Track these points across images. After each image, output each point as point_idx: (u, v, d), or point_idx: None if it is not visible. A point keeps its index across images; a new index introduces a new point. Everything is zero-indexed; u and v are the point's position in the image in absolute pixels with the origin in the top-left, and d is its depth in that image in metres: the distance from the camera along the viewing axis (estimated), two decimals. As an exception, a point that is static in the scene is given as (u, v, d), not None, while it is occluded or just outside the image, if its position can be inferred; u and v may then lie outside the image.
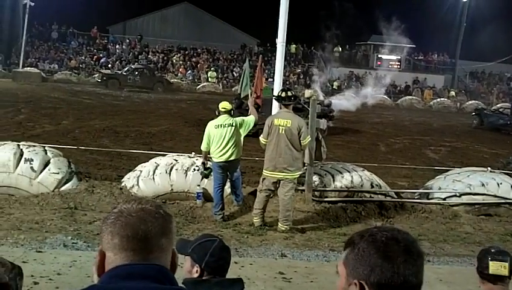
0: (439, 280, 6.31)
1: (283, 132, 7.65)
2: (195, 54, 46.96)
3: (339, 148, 17.15)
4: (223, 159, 8.12)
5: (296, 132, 7.65)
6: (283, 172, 7.70)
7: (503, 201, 9.19)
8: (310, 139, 8.00)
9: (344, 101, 25.15)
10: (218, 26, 51.12)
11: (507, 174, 10.46)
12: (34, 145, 9.02)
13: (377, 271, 1.49)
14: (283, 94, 8.02)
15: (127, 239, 1.48)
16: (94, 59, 41.94)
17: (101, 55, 42.89)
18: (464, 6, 47.44)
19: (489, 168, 9.97)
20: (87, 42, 45.09)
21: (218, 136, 8.14)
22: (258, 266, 6.37)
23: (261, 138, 7.95)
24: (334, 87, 41.21)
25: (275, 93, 9.14)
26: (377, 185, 9.30)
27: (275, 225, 7.86)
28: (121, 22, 49.81)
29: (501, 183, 9.34)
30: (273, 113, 9.73)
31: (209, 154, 8.26)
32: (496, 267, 2.98)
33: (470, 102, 42.03)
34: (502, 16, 42.77)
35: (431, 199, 9.44)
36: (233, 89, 35.00)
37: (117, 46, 45.50)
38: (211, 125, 8.30)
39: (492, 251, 3.10)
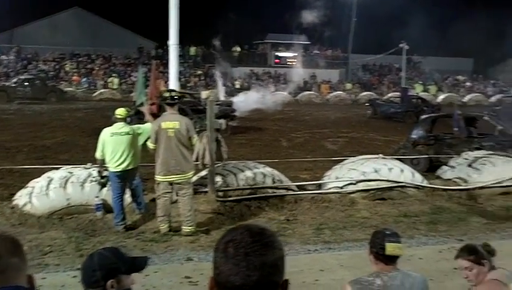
0: (340, 265, 6.57)
1: (173, 134, 7.59)
2: (89, 61, 45.53)
3: (243, 147, 17.32)
4: (120, 168, 7.92)
5: (185, 133, 7.62)
6: (177, 174, 7.64)
7: (395, 185, 9.72)
8: (197, 138, 7.99)
9: (246, 100, 25.48)
10: (112, 30, 49.84)
11: (398, 159, 11.08)
12: None
13: (219, 272, 1.53)
14: (166, 94, 7.97)
15: None
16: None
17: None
18: (352, 1, 49.52)
19: (381, 155, 10.50)
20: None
21: (114, 144, 7.92)
22: (163, 273, 6.29)
23: (149, 143, 7.80)
24: (236, 86, 41.56)
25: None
26: (278, 180, 9.49)
27: (180, 229, 7.79)
28: (7, 30, 47.12)
29: (392, 168, 9.87)
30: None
31: (104, 163, 8.03)
32: (392, 248, 3.14)
33: (364, 93, 44.07)
34: (389, 9, 45.06)
35: (329, 188, 9.78)
36: (131, 95, 34.30)
37: (3, 57, 43.06)
38: (105, 133, 8.06)
39: (387, 232, 3.26)
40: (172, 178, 7.65)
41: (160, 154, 7.67)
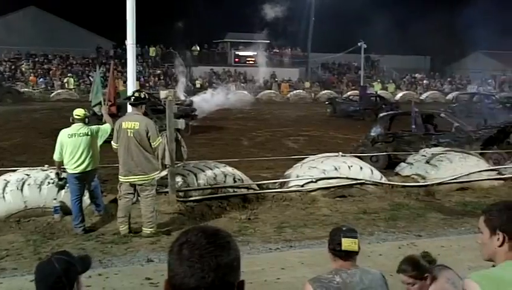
0: (301, 263, 6.62)
1: (132, 135, 7.50)
2: (46, 61, 44.58)
3: (203, 147, 17.26)
4: (78, 170, 7.79)
5: (145, 134, 7.52)
6: (138, 175, 7.56)
7: (354, 182, 9.85)
8: (160, 140, 7.90)
9: (206, 100, 25.41)
10: (70, 29, 48.91)
11: (357, 156, 11.24)
12: None
13: (173, 274, 1.53)
14: (130, 94, 7.89)
15: None
16: None
17: None
18: (311, 1, 49.92)
19: (340, 153, 10.62)
20: None
21: (72, 146, 7.79)
22: (123, 275, 6.23)
23: (112, 143, 7.74)
24: (196, 86, 41.40)
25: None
26: (239, 179, 9.50)
27: (141, 231, 7.71)
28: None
29: (351, 166, 10.00)
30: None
31: (62, 164, 7.87)
32: (348, 243, 3.17)
33: (324, 92, 44.53)
34: (347, 8, 45.63)
35: (290, 187, 9.84)
36: (89, 94, 33.74)
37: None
38: (63, 134, 7.92)
39: (344, 229, 3.30)
40: (134, 179, 7.57)
41: (120, 155, 7.61)
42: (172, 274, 1.52)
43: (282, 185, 10.03)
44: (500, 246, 2.42)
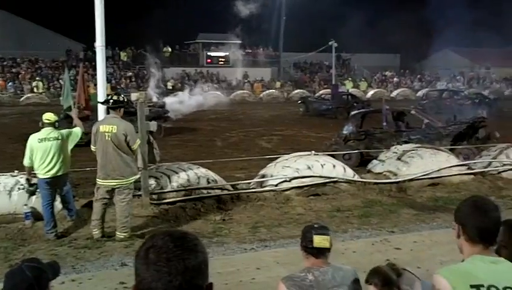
0: (276, 262, 6.63)
1: (109, 138, 7.43)
2: (14, 64, 43.82)
3: (177, 148, 17.21)
4: (49, 175, 7.68)
5: (123, 138, 7.45)
6: (116, 179, 7.50)
7: (327, 180, 9.92)
8: (139, 142, 7.86)
9: (179, 101, 25.27)
10: (39, 33, 48.17)
11: (330, 155, 11.32)
12: None
13: (141, 279, 1.53)
14: (109, 98, 7.82)
15: None
16: None
17: None
18: (282, 1, 50.06)
19: (313, 152, 10.68)
20: None
21: (42, 150, 7.67)
22: (97, 279, 6.16)
23: (91, 146, 7.68)
24: (168, 87, 41.18)
25: (100, 98, 8.91)
26: (213, 181, 9.47)
27: (114, 235, 7.64)
28: None
29: (324, 164, 10.07)
30: (100, 119, 9.46)
31: (33, 170, 7.76)
32: (319, 240, 3.21)
33: (296, 91, 44.77)
34: (318, 7, 45.90)
35: (264, 187, 9.86)
36: (60, 98, 33.32)
37: None
38: (33, 139, 7.79)
39: (316, 226, 3.34)
40: (112, 183, 7.50)
41: (98, 158, 7.54)
42: (139, 279, 1.51)
43: (256, 185, 10.04)
44: (458, 237, 2.49)
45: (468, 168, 11.42)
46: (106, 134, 7.45)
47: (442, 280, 2.29)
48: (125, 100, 8.16)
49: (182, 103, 24.98)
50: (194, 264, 1.51)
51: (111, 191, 7.61)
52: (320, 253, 3.23)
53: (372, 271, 3.19)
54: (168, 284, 1.47)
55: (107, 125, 7.52)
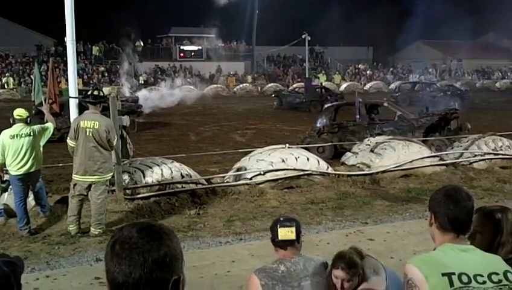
0: (251, 255, 6.69)
1: (90, 134, 7.38)
2: (-16, 60, 42.97)
3: (150, 143, 17.13)
4: (21, 171, 7.59)
5: (105, 134, 7.41)
6: (94, 175, 7.46)
7: (301, 173, 9.99)
8: (117, 138, 7.84)
9: (152, 96, 25.15)
10: (8, 28, 47.28)
11: (304, 148, 11.41)
12: None
13: (107, 270, 1.55)
14: (89, 93, 7.75)
15: None
16: None
17: None
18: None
19: (287, 145, 10.75)
20: None
21: (15, 147, 7.58)
22: (72, 275, 6.14)
23: (69, 141, 7.56)
24: (141, 82, 40.86)
25: (71, 93, 8.83)
26: (187, 175, 9.46)
27: (89, 231, 7.60)
28: None
29: (298, 157, 10.14)
30: (72, 114, 9.38)
31: (5, 166, 7.66)
32: (283, 233, 3.25)
33: (270, 85, 44.80)
34: (289, 1, 46.05)
35: (239, 180, 9.90)
36: (31, 94, 32.77)
37: None
38: (5, 135, 7.69)
39: (281, 219, 3.37)
40: (90, 179, 7.45)
41: (78, 154, 7.45)
42: (106, 270, 1.53)
43: (231, 178, 10.07)
44: (430, 225, 2.55)
45: (440, 159, 11.63)
46: (87, 130, 7.39)
47: (414, 269, 2.32)
48: (105, 95, 8.11)
49: (155, 97, 24.90)
50: (155, 257, 1.49)
51: (88, 187, 7.56)
52: (287, 245, 3.26)
53: (337, 256, 3.26)
54: (128, 276, 1.47)
55: (88, 120, 7.45)
